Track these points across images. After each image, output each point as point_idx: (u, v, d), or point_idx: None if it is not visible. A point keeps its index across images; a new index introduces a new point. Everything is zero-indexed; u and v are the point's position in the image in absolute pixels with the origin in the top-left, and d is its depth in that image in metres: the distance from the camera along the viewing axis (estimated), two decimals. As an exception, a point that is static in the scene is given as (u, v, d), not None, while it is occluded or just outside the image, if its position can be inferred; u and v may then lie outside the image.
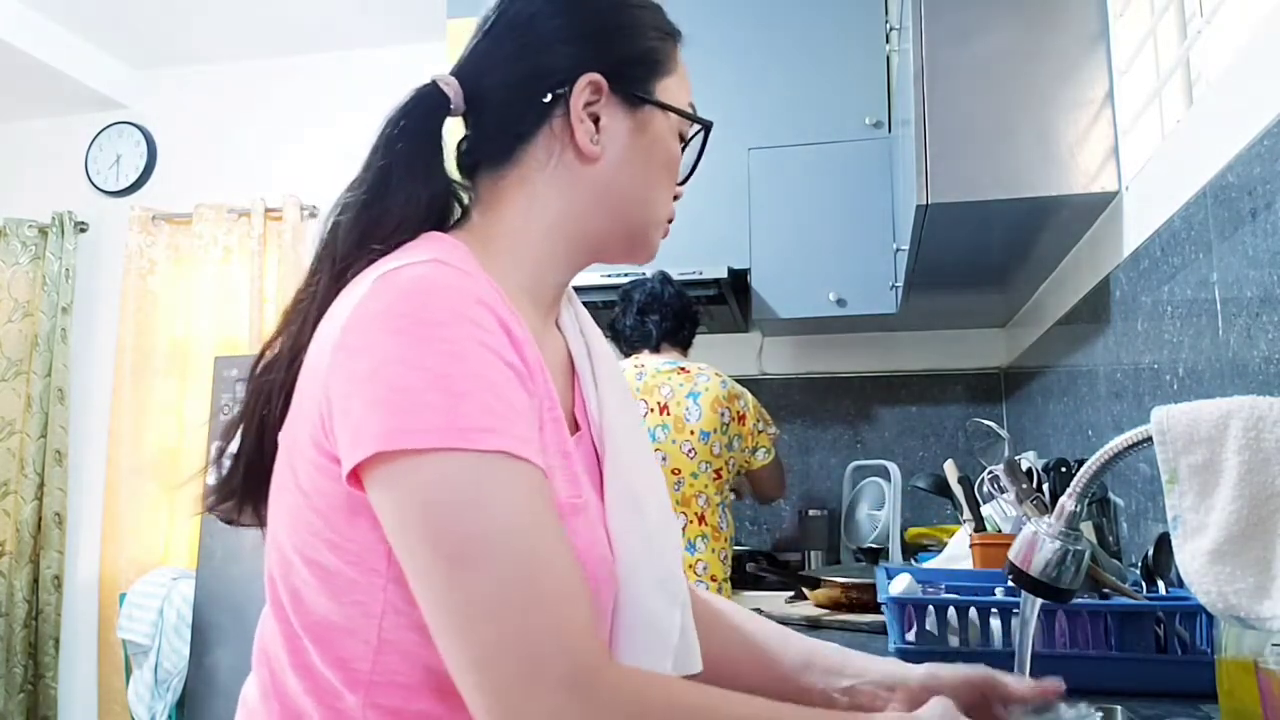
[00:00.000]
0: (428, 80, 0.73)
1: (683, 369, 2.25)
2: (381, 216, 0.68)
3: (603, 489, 0.71)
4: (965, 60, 1.72)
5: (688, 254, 2.68)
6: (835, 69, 2.81)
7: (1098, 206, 1.71)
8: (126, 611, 3.03)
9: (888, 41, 2.76)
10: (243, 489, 0.70)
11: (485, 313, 0.58)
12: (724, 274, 2.63)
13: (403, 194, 0.69)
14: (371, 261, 0.64)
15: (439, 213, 0.72)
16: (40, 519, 3.60)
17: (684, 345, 2.37)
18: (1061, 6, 1.69)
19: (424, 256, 0.61)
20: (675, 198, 0.78)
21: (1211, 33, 1.35)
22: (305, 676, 0.62)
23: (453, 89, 0.72)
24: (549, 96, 0.71)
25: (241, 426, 0.70)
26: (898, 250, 2.43)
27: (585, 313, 0.84)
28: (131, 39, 3.67)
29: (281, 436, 0.65)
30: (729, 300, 2.81)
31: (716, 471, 2.19)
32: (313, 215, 3.64)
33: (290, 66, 3.79)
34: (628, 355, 2.35)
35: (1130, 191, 1.60)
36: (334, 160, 3.64)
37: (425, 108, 0.72)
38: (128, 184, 3.83)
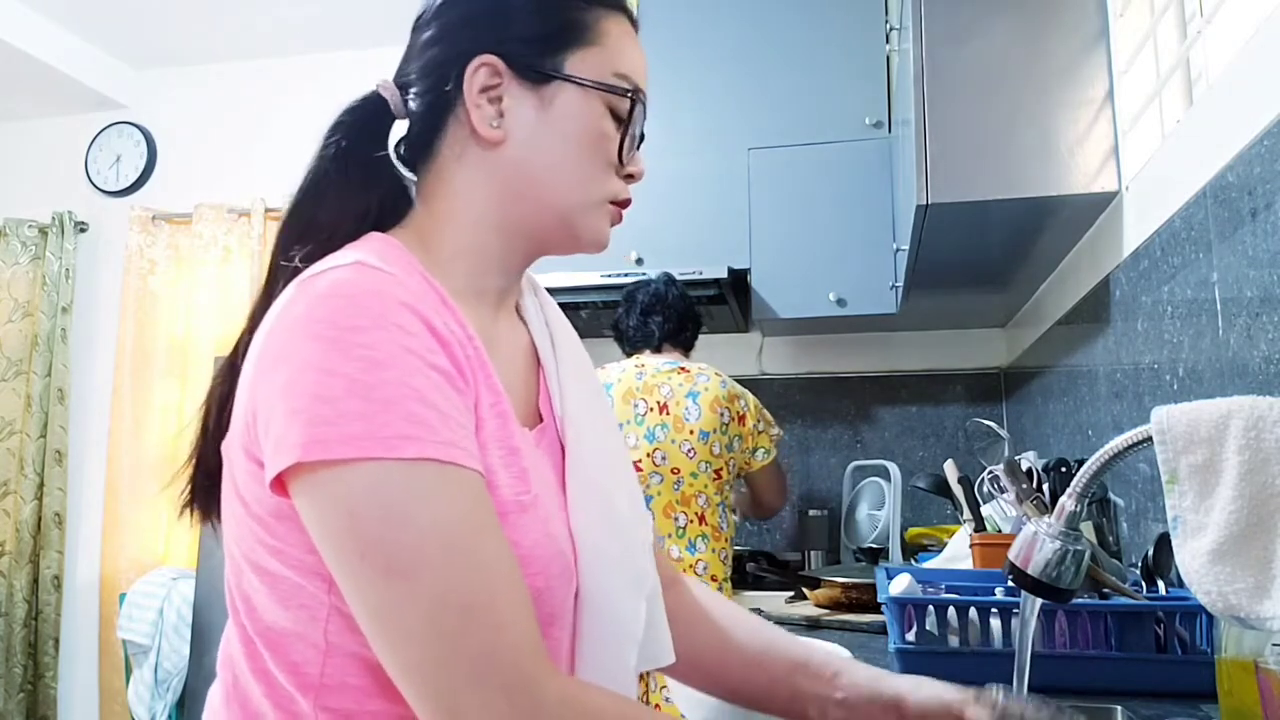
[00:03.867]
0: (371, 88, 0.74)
1: (683, 369, 2.25)
2: (314, 219, 0.69)
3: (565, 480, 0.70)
4: (965, 60, 1.72)
5: (688, 254, 2.69)
6: (835, 69, 2.81)
7: (1098, 206, 1.71)
8: (126, 611, 3.03)
9: (888, 41, 2.76)
10: (198, 496, 0.70)
11: (408, 315, 0.57)
12: (724, 274, 2.63)
13: (337, 197, 0.69)
14: (306, 265, 0.63)
15: (385, 213, 0.72)
16: (40, 519, 3.60)
17: (686, 346, 2.38)
18: (1061, 6, 1.69)
19: (348, 259, 0.59)
20: (630, 177, 0.73)
21: (1211, 33, 1.35)
22: (262, 681, 0.62)
23: (390, 92, 0.72)
24: (449, 86, 0.69)
25: (195, 435, 0.69)
26: (898, 250, 2.43)
27: (551, 301, 0.82)
28: (131, 39, 3.67)
29: (224, 445, 0.64)
30: (729, 300, 2.81)
31: (716, 471, 2.19)
32: (313, 215, 3.64)
33: (291, 66, 3.79)
34: (630, 355, 2.35)
35: (1130, 191, 1.60)
36: (334, 160, 3.65)
37: (366, 112, 0.73)
38: (128, 184, 3.83)
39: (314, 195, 0.70)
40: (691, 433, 2.17)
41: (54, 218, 3.78)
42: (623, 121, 0.71)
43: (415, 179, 0.73)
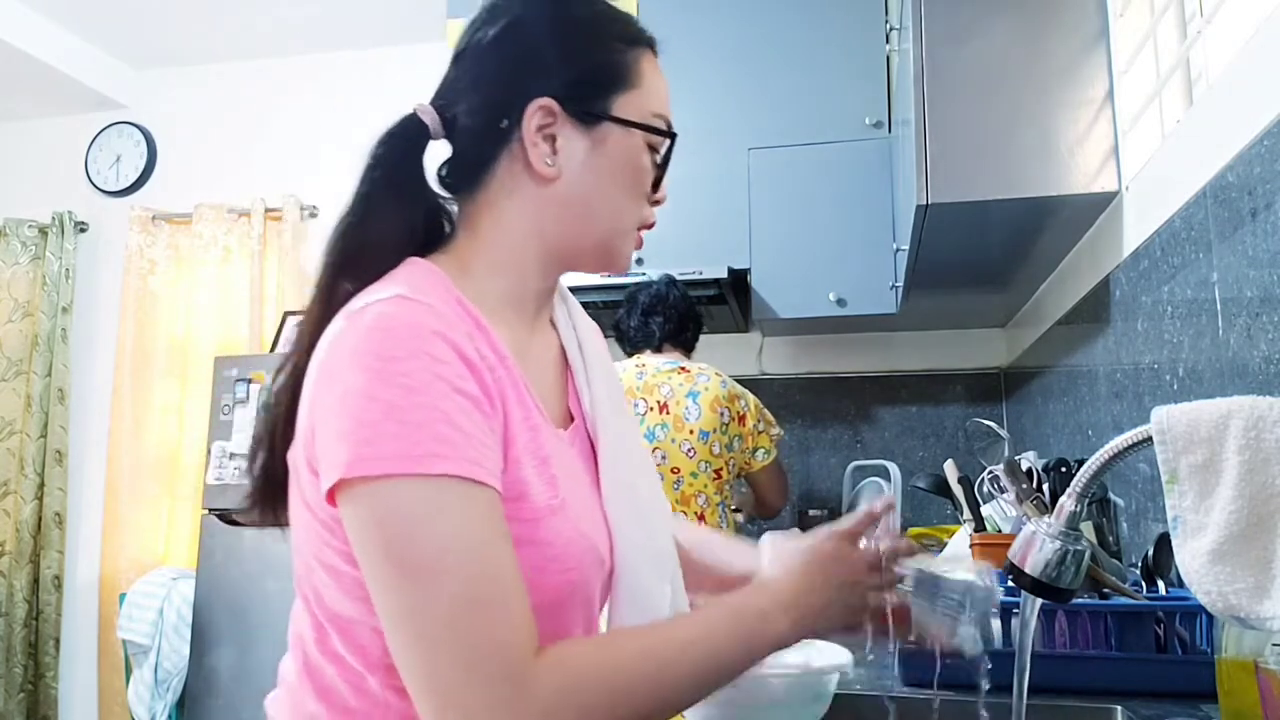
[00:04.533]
0: (409, 110, 0.78)
1: (683, 369, 2.25)
2: (363, 242, 0.74)
3: (598, 475, 0.78)
4: (965, 60, 1.72)
5: (688, 254, 2.68)
6: (835, 69, 2.81)
7: (1098, 206, 1.71)
8: (126, 611, 3.03)
9: (888, 41, 2.76)
10: (264, 501, 0.76)
11: (440, 344, 0.63)
12: (724, 274, 2.63)
13: (381, 219, 0.75)
14: (356, 290, 0.70)
15: (424, 234, 0.77)
16: (40, 519, 3.60)
17: (687, 347, 2.38)
18: (1061, 6, 1.69)
19: (390, 292, 0.65)
20: (656, 203, 0.80)
21: (1211, 33, 1.35)
22: (334, 662, 0.69)
23: (430, 117, 0.77)
24: (504, 123, 0.75)
25: (260, 446, 0.75)
26: (898, 250, 2.43)
27: (578, 308, 0.89)
28: (131, 39, 3.67)
29: (290, 456, 0.70)
30: (729, 300, 2.81)
31: (716, 471, 2.19)
32: (313, 215, 3.64)
33: (290, 66, 3.79)
34: (630, 355, 2.35)
35: (1130, 191, 1.60)
36: (334, 160, 3.65)
37: (405, 136, 0.77)
38: (128, 184, 3.83)
39: (361, 216, 0.75)
40: (691, 432, 2.17)
41: (54, 218, 3.78)
42: (658, 156, 0.79)
43: (454, 201, 0.80)
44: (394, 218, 0.75)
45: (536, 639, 0.61)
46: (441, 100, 0.78)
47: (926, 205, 1.72)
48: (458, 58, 0.79)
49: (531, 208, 0.76)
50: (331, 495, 0.63)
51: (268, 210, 3.62)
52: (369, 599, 0.64)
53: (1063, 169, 1.65)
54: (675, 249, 2.71)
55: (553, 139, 0.75)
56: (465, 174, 0.78)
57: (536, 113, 0.74)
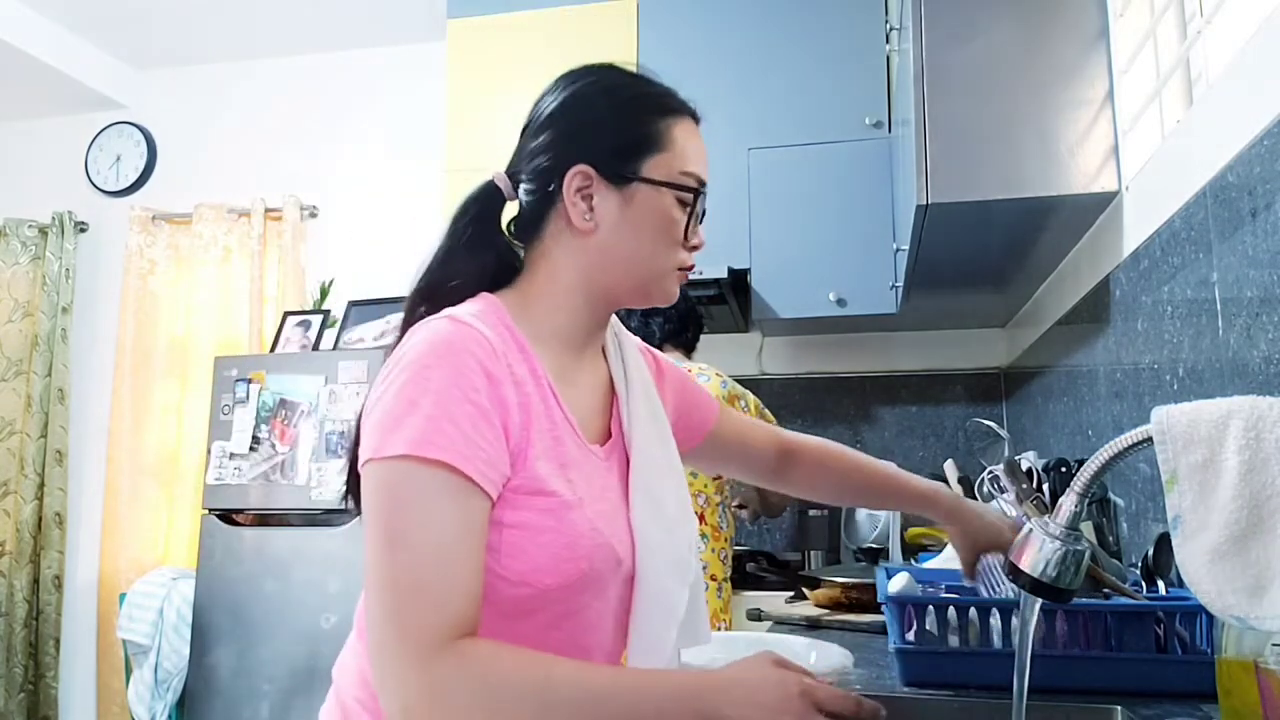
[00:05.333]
0: (489, 178, 0.93)
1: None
2: (441, 279, 0.90)
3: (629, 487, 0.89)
4: (965, 60, 1.72)
5: (688, 254, 2.68)
6: (835, 69, 2.81)
7: (1098, 206, 1.71)
8: (126, 611, 3.03)
9: (888, 41, 2.76)
10: (354, 490, 0.86)
11: (467, 359, 0.76)
12: (724, 274, 2.63)
13: (458, 262, 0.90)
14: (430, 313, 0.85)
15: (498, 273, 0.92)
16: (40, 519, 3.60)
17: (687, 347, 2.37)
18: (1061, 6, 1.69)
19: (447, 314, 0.81)
20: (695, 248, 0.91)
21: (1211, 33, 1.35)
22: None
23: (503, 182, 0.92)
24: (552, 186, 0.88)
25: (352, 444, 0.86)
26: (898, 250, 2.43)
27: (629, 341, 1.02)
28: (131, 39, 3.67)
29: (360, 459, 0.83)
30: (729, 300, 2.81)
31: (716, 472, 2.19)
32: (313, 215, 3.64)
33: (290, 66, 3.79)
34: None
35: (1130, 191, 1.60)
36: (334, 160, 3.65)
37: (485, 198, 0.92)
38: (128, 184, 3.83)
39: (444, 262, 0.91)
40: None
41: (54, 218, 3.78)
42: (688, 208, 0.89)
43: (523, 248, 0.94)
44: (467, 262, 0.90)
45: (466, 629, 0.70)
46: (512, 168, 0.92)
47: (926, 205, 1.72)
48: (525, 129, 0.94)
49: (574, 256, 0.89)
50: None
51: (268, 210, 3.62)
52: None
53: (1063, 169, 1.65)
54: (675, 249, 2.71)
55: (590, 198, 0.87)
56: (526, 227, 0.92)
57: (575, 177, 0.87)
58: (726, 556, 2.23)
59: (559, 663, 0.72)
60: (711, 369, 2.27)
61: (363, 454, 0.75)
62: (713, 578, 2.16)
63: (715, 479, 2.20)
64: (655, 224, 0.88)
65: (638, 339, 1.07)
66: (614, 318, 1.00)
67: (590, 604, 0.83)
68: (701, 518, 2.17)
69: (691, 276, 2.56)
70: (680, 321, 2.33)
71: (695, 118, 0.95)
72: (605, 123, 0.89)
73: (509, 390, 0.79)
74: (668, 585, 0.87)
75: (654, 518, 0.88)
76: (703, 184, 0.90)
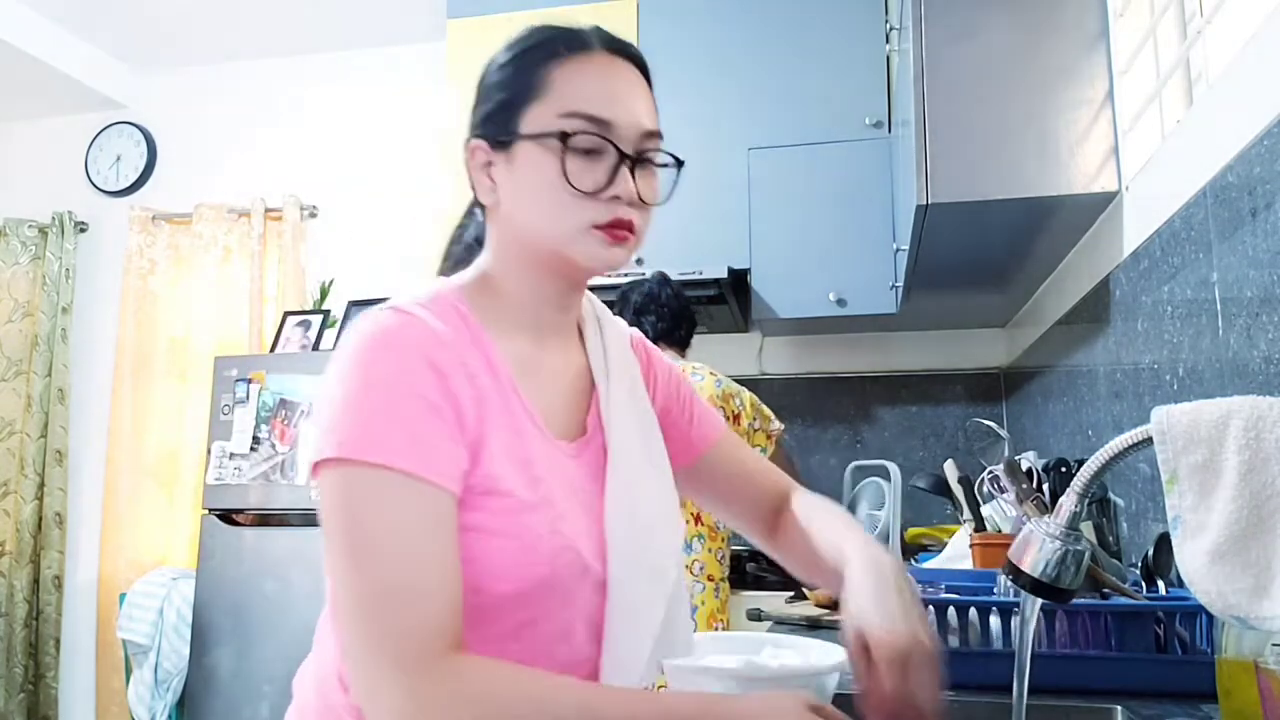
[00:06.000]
0: None
1: None
2: (449, 252, 0.93)
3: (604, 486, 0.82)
4: (965, 60, 1.72)
5: (688, 254, 2.68)
6: (835, 69, 2.81)
7: (1098, 206, 1.71)
8: (126, 611, 3.03)
9: (888, 41, 2.76)
10: None
11: (410, 352, 0.71)
12: (724, 274, 2.63)
13: (461, 235, 0.94)
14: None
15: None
16: (40, 519, 3.60)
17: (681, 345, 2.37)
18: (1061, 6, 1.69)
19: (389, 304, 0.76)
20: (617, 199, 0.78)
21: (1211, 33, 1.35)
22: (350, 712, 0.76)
23: None
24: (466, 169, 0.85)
25: None
26: (898, 250, 2.43)
27: (612, 326, 0.95)
28: (131, 39, 3.67)
29: None
30: (729, 300, 2.81)
31: None
32: (313, 215, 3.64)
33: (290, 66, 3.79)
34: None
35: (1130, 191, 1.60)
36: (334, 160, 3.65)
37: None
38: (128, 184, 3.83)
39: (457, 236, 0.94)
40: None
41: (54, 218, 3.78)
42: (580, 154, 0.78)
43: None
44: (459, 236, 0.93)
45: (453, 637, 0.66)
46: None
47: (926, 205, 1.72)
48: None
49: (497, 232, 0.85)
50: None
51: (268, 210, 3.62)
52: None
53: (1063, 169, 1.65)
54: (675, 249, 2.71)
55: (491, 171, 0.83)
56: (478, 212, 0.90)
57: (473, 153, 0.84)
58: (724, 556, 2.23)
59: (562, 684, 0.67)
60: (705, 367, 2.27)
61: (309, 458, 0.71)
62: (710, 578, 2.16)
63: None
64: (539, 181, 0.79)
65: (635, 330, 1.00)
66: (596, 303, 0.95)
67: (555, 613, 0.77)
68: (698, 518, 2.17)
69: (691, 277, 2.62)
70: (673, 320, 2.32)
71: (592, 47, 0.81)
72: (490, 88, 0.84)
73: (460, 383, 0.73)
74: (641, 594, 0.80)
75: (629, 520, 0.81)
76: (597, 120, 0.78)
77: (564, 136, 0.77)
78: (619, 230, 0.79)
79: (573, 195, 0.77)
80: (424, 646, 0.65)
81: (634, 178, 0.79)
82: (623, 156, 0.79)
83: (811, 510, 0.93)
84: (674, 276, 2.60)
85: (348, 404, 0.69)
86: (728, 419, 2.22)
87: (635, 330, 1.00)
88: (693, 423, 0.99)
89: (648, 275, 2.39)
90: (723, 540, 2.22)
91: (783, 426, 2.39)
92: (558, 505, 0.77)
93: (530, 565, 0.73)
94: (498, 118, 0.82)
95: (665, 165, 0.85)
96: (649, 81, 0.85)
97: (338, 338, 2.96)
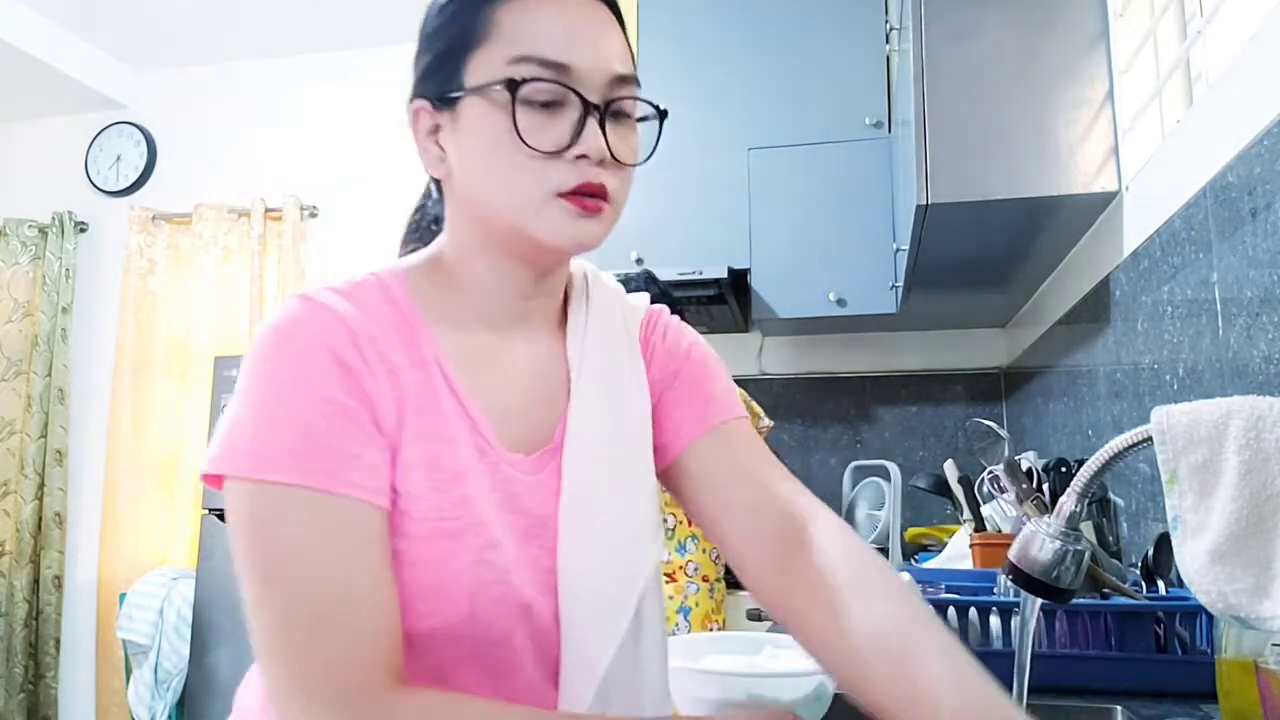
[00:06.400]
0: None
1: None
2: (418, 224, 0.83)
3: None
4: (965, 60, 1.72)
5: (688, 254, 2.68)
6: (835, 69, 2.81)
7: (1098, 206, 1.71)
8: (126, 611, 3.03)
9: (888, 41, 2.76)
10: None
11: (319, 350, 0.61)
12: (724, 274, 2.63)
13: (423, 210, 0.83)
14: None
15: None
16: (40, 519, 3.60)
17: None
18: (1061, 6, 1.69)
19: (299, 292, 0.65)
20: (585, 158, 0.65)
21: (1211, 33, 1.35)
22: None
23: None
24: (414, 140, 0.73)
25: None
26: (898, 250, 2.43)
27: (601, 314, 0.79)
28: (131, 39, 3.67)
29: None
30: (729, 300, 2.81)
31: None
32: (313, 215, 3.64)
33: (290, 66, 3.79)
34: None
35: (1130, 191, 1.60)
36: (334, 160, 3.65)
37: None
38: (128, 184, 3.83)
39: (414, 222, 0.83)
40: None
41: (54, 218, 3.78)
42: (529, 104, 0.65)
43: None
44: (417, 222, 0.83)
45: (390, 668, 0.58)
46: None
47: (926, 205, 1.72)
48: None
49: (451, 208, 0.73)
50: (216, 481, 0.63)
51: (268, 210, 3.62)
52: None
53: (1063, 169, 1.65)
54: (675, 249, 2.72)
55: (438, 137, 0.70)
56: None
57: (417, 116, 0.71)
58: (718, 556, 2.23)
59: (516, 714, 0.61)
60: None
61: (205, 465, 0.61)
62: (704, 578, 2.15)
63: None
64: (488, 142, 0.66)
65: (659, 307, 0.85)
66: (591, 276, 0.81)
67: (487, 650, 0.65)
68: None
69: (691, 277, 2.63)
70: None
71: None
72: (429, 37, 0.71)
73: (376, 381, 0.63)
74: (587, 634, 0.68)
75: (584, 554, 0.68)
76: (553, 64, 0.65)
77: (513, 85, 0.64)
78: (588, 198, 0.66)
79: (529, 157, 0.65)
80: (358, 681, 0.57)
81: (604, 132, 0.66)
82: (588, 106, 0.66)
83: (861, 575, 0.66)
84: (674, 276, 2.60)
85: (249, 410, 0.60)
86: None
87: (659, 307, 0.85)
88: (689, 405, 0.78)
89: (633, 275, 2.37)
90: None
91: (772, 423, 2.39)
92: (489, 530, 0.65)
93: (446, 601, 0.63)
94: (439, 71, 0.69)
95: (645, 119, 0.72)
96: (621, 20, 0.71)
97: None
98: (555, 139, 0.65)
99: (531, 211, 0.66)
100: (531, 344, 0.74)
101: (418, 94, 0.71)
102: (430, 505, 0.63)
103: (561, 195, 0.65)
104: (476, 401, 0.68)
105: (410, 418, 0.64)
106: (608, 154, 0.66)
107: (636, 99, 0.70)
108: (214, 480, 0.62)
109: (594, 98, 0.66)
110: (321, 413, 0.60)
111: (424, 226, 0.81)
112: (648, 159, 0.72)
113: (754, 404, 2.34)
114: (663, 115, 0.72)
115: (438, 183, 0.75)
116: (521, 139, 0.64)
